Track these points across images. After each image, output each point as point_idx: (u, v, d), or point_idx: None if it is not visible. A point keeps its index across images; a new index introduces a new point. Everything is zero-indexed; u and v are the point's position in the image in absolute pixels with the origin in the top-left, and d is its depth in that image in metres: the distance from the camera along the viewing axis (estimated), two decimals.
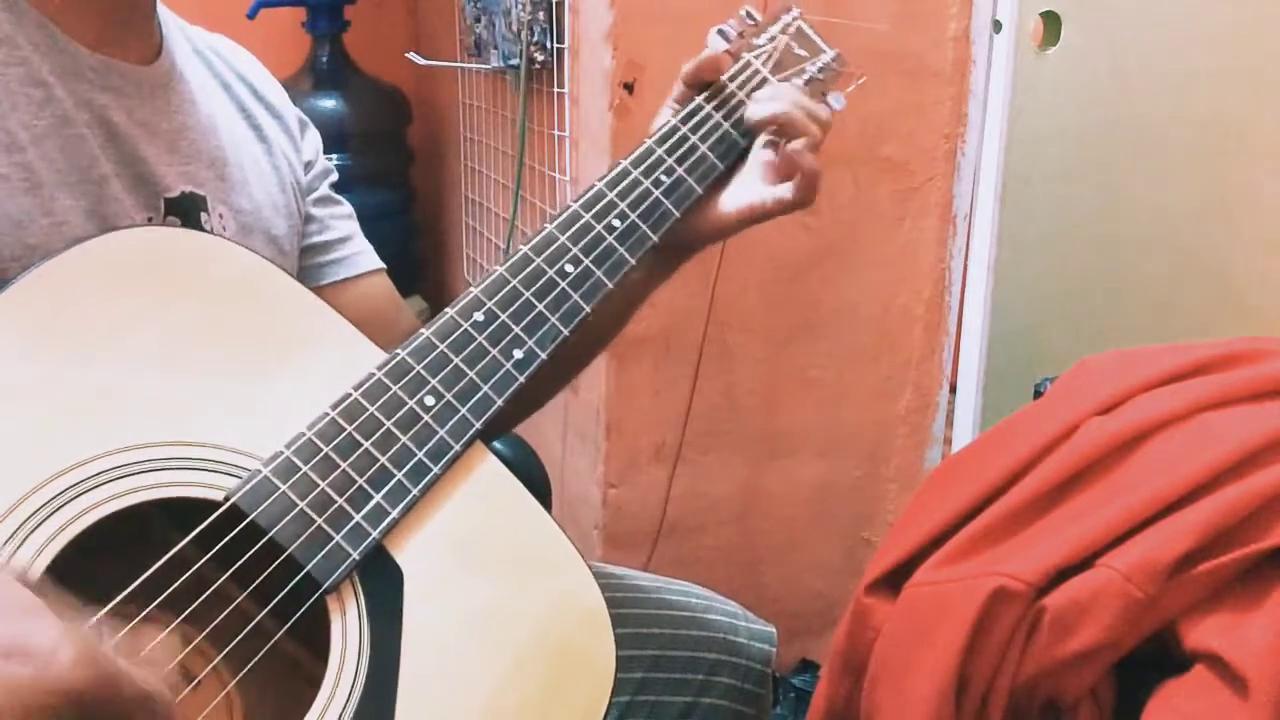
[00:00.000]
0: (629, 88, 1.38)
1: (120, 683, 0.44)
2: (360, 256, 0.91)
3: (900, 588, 0.81)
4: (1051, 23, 1.39)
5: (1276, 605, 0.69)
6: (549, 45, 1.51)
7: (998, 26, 1.45)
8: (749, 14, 0.89)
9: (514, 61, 1.56)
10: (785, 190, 0.83)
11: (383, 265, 0.93)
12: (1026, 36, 1.42)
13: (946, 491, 0.84)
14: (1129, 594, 0.70)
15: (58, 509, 0.54)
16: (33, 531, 0.53)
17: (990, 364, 1.54)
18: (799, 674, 1.65)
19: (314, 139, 0.91)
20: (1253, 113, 1.16)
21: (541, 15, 1.50)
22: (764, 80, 0.88)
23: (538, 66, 1.54)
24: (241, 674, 0.57)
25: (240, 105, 0.84)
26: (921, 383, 1.62)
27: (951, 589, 0.76)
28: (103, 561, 0.55)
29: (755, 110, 0.84)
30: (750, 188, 0.85)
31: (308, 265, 0.89)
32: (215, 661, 0.57)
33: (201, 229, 0.75)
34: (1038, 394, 1.00)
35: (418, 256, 2.29)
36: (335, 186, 0.93)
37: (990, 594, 0.74)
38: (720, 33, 0.87)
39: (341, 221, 0.91)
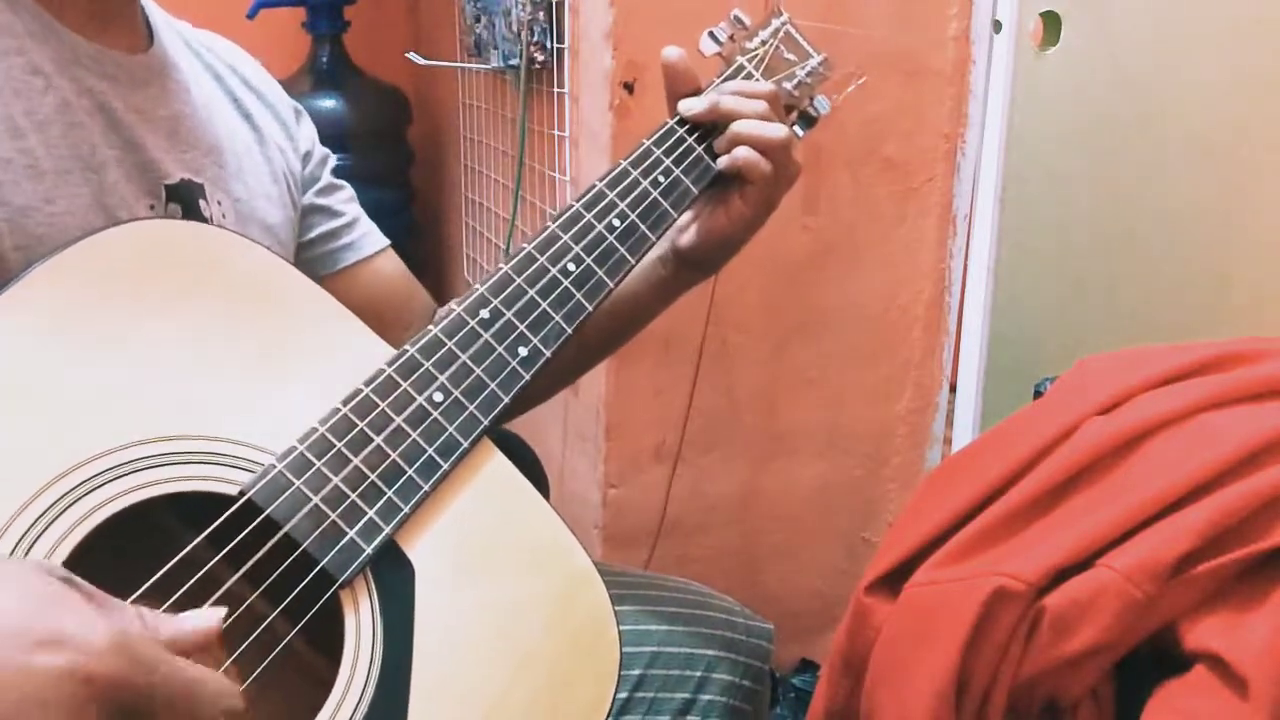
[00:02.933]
0: (629, 88, 1.38)
1: (158, 670, 0.44)
2: (368, 238, 0.93)
3: (900, 588, 0.81)
4: (1051, 23, 1.39)
5: (1276, 605, 0.69)
6: (549, 45, 1.51)
7: (998, 26, 1.45)
8: (738, 18, 0.90)
9: (514, 61, 1.56)
10: (740, 204, 0.85)
11: (389, 242, 0.94)
12: (1026, 36, 1.42)
13: (946, 491, 0.84)
14: (1129, 594, 0.70)
15: (72, 504, 0.54)
16: (48, 526, 0.53)
17: (990, 364, 1.54)
18: (799, 674, 1.65)
19: (309, 128, 0.92)
20: (1253, 112, 1.16)
21: (541, 15, 1.50)
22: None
23: (538, 66, 1.53)
24: (256, 672, 0.57)
25: (232, 95, 0.85)
26: (921, 383, 1.62)
27: (951, 589, 0.76)
28: (113, 556, 0.55)
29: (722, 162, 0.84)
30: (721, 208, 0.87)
31: (321, 253, 0.90)
32: (225, 663, 0.56)
33: (202, 216, 0.76)
34: (1038, 394, 1.00)
35: (418, 256, 2.29)
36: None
37: (990, 594, 0.74)
38: (711, 35, 0.88)
39: (347, 205, 0.93)
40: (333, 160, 0.93)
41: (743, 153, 0.82)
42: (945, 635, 0.75)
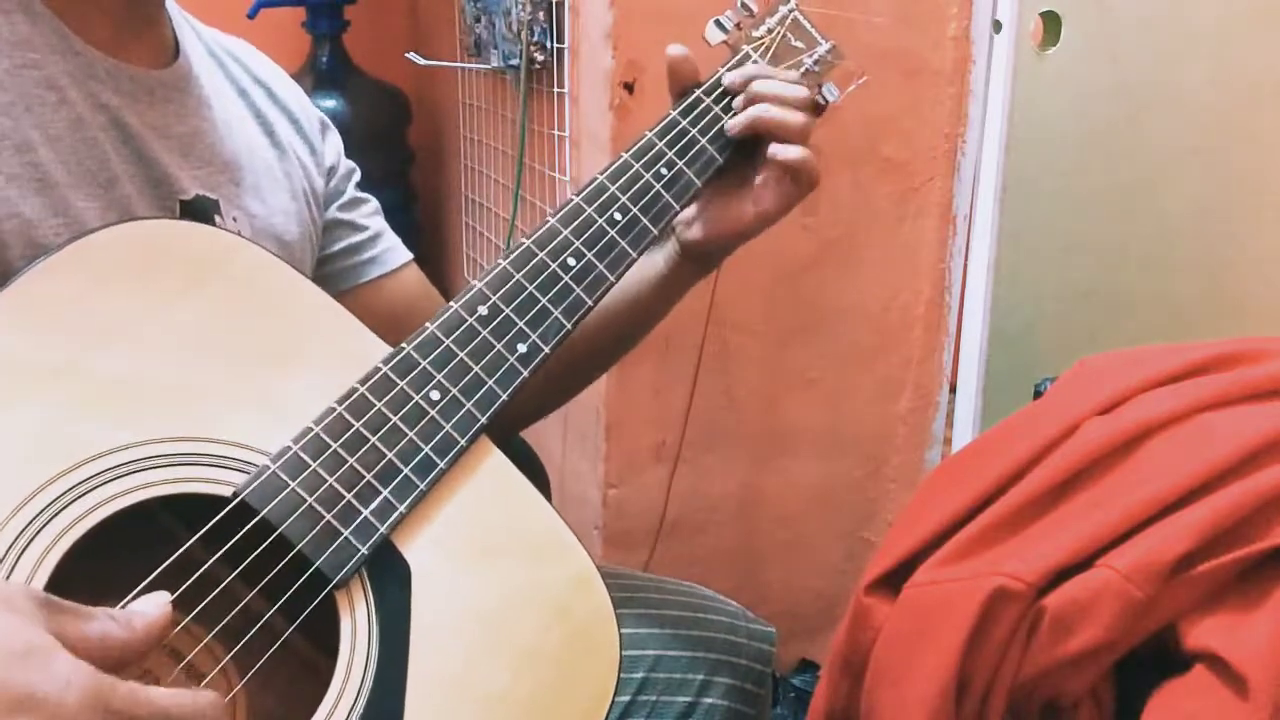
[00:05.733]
0: (629, 88, 1.38)
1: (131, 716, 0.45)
2: (391, 252, 0.93)
3: (900, 588, 0.81)
4: (1051, 23, 1.39)
5: (1276, 605, 0.69)
6: (549, 45, 1.51)
7: (998, 26, 1.45)
8: (745, 5, 0.89)
9: (514, 61, 1.56)
10: (764, 200, 0.84)
11: (411, 256, 0.93)
12: (1026, 36, 1.43)
13: (946, 491, 0.83)
14: (1129, 594, 0.70)
15: (67, 505, 0.54)
16: (44, 527, 0.53)
17: (990, 364, 1.54)
18: (799, 674, 1.65)
19: (335, 142, 0.92)
20: (1252, 112, 1.16)
21: (541, 15, 1.50)
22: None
23: (538, 66, 1.53)
24: (250, 673, 0.57)
25: (255, 111, 0.84)
26: (921, 383, 1.62)
27: (951, 589, 0.76)
28: (106, 558, 0.55)
29: (732, 124, 0.84)
30: (748, 195, 0.86)
31: (343, 267, 0.89)
32: (223, 662, 0.56)
33: None
34: (1038, 394, 1.00)
35: (418, 256, 2.28)
36: None
37: (990, 594, 0.74)
38: (717, 23, 0.88)
39: (371, 219, 0.93)
40: (358, 174, 0.93)
41: (759, 110, 0.82)
42: (945, 635, 0.75)
